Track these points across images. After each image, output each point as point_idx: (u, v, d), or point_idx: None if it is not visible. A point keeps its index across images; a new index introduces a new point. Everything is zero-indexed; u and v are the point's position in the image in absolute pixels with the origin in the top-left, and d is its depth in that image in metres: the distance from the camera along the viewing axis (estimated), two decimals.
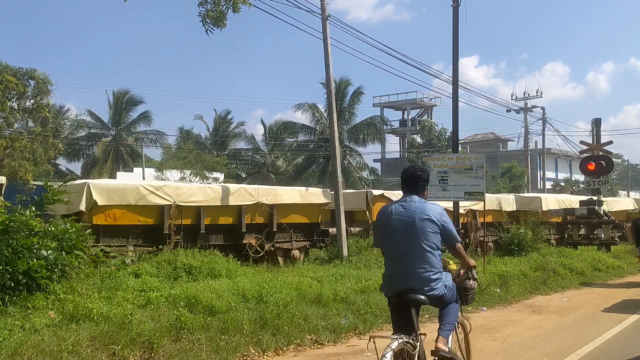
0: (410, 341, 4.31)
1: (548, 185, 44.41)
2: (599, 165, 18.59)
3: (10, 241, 7.23)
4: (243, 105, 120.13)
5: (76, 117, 41.98)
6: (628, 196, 46.33)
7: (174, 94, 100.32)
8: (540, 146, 42.24)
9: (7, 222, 7.37)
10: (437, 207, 4.68)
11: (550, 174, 48.71)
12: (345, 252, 13.37)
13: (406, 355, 4.25)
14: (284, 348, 6.94)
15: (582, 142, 21.50)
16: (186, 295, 7.77)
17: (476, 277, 5.05)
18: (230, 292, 8.29)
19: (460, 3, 16.82)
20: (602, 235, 18.69)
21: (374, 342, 4.19)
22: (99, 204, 11.08)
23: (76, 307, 6.84)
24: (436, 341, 4.69)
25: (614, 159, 20.98)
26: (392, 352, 4.12)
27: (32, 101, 29.61)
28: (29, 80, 29.30)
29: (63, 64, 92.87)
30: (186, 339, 6.50)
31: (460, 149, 29.78)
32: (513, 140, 67.08)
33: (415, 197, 4.68)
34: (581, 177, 35.90)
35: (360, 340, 7.59)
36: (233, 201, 13.16)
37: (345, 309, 8.60)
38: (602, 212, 18.76)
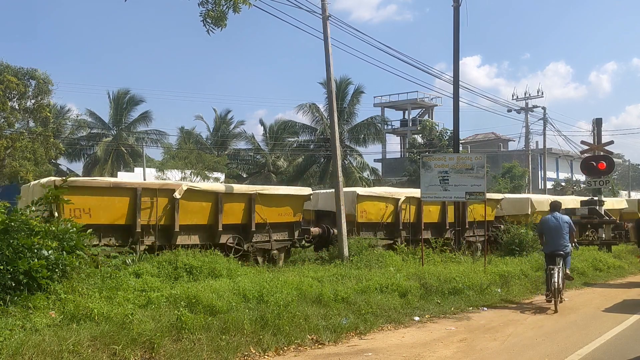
0: (559, 269, 10.16)
1: (549, 185, 44.37)
2: (600, 165, 18.57)
3: (11, 241, 7.23)
4: (244, 106, 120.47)
5: (77, 117, 42.06)
6: (629, 197, 46.33)
7: (174, 93, 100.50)
8: (541, 146, 42.22)
9: (7, 221, 7.37)
10: (567, 217, 10.90)
11: (551, 174, 48.66)
12: (346, 252, 13.37)
13: (558, 273, 10.08)
14: (285, 348, 6.94)
15: (583, 142, 21.50)
16: (187, 295, 7.77)
17: (577, 246, 12.85)
18: (231, 292, 8.29)
19: (461, 3, 16.84)
20: (603, 235, 18.68)
21: (549, 270, 10.26)
22: (537, 210, 19.48)
23: (77, 307, 6.84)
24: (565, 270, 10.51)
25: (614, 159, 20.95)
26: (556, 273, 10.03)
27: (33, 101, 29.67)
28: (30, 80, 29.36)
29: (64, 64, 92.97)
30: (187, 338, 6.50)
31: (461, 148, 29.76)
32: (514, 140, 67.23)
33: (557, 213, 10.85)
34: (582, 177, 35.87)
35: (361, 340, 7.59)
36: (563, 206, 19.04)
37: (345, 308, 8.60)
38: (602, 212, 18.75)
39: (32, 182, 13.08)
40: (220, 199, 13.01)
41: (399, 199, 16.24)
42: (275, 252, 13.93)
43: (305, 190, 15.36)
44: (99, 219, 11.29)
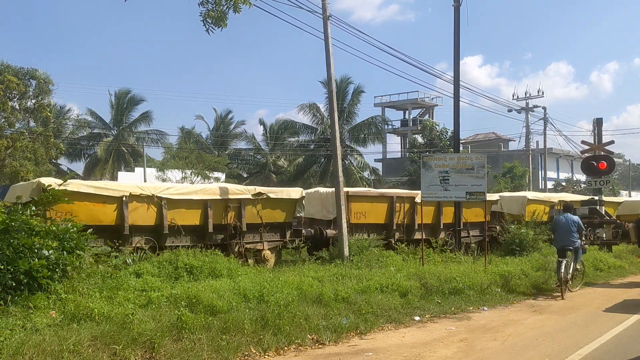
0: (567, 261, 11.63)
1: (549, 185, 44.36)
2: (600, 165, 18.57)
3: (12, 241, 7.23)
4: (245, 106, 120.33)
5: (77, 117, 42.09)
6: (630, 196, 46.34)
7: (176, 93, 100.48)
8: (541, 146, 42.21)
9: (7, 221, 7.37)
10: (577, 217, 12.42)
11: (551, 174, 48.61)
12: (346, 252, 13.37)
13: (566, 265, 11.59)
14: (285, 348, 6.94)
15: (583, 142, 21.52)
16: (187, 295, 7.78)
17: (586, 244, 14.05)
18: (231, 291, 8.29)
19: (461, 3, 16.83)
20: (604, 235, 18.69)
21: (559, 262, 11.65)
22: None
23: (77, 307, 6.84)
24: (575, 264, 12.10)
25: (615, 159, 20.95)
26: (564, 264, 11.49)
27: (33, 101, 29.69)
28: (30, 80, 29.38)
29: (64, 64, 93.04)
30: (187, 338, 6.50)
31: (461, 148, 29.73)
32: (514, 140, 67.08)
33: (568, 213, 12.31)
34: (582, 177, 35.84)
35: (361, 339, 7.59)
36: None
37: (346, 308, 8.60)
38: (603, 212, 18.76)
39: (313, 190, 17.05)
40: (440, 203, 16.43)
41: (554, 202, 20.29)
42: (473, 245, 17.56)
43: (494, 196, 19.33)
44: (370, 219, 15.40)
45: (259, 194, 13.69)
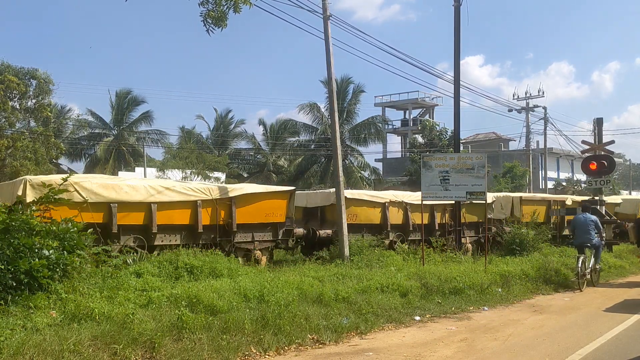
0: (584, 257, 12.57)
1: (550, 185, 44.34)
2: (600, 164, 18.53)
3: (12, 240, 7.22)
4: (247, 106, 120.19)
5: (78, 116, 42.09)
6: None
7: (176, 93, 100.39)
8: (542, 146, 42.19)
9: (8, 221, 7.37)
10: (595, 217, 13.40)
11: (552, 174, 48.60)
12: (346, 252, 13.37)
13: (583, 260, 12.48)
14: (286, 347, 6.94)
15: (583, 142, 21.47)
16: (187, 294, 7.77)
17: (604, 241, 13.90)
18: (231, 291, 8.29)
19: (461, 3, 16.81)
20: (604, 235, 18.65)
21: (577, 257, 12.69)
22: None
23: (78, 307, 6.84)
24: (594, 261, 13.03)
25: (615, 159, 20.90)
26: (581, 259, 12.43)
27: (33, 101, 29.68)
28: (31, 80, 29.37)
29: (65, 64, 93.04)
30: (188, 338, 6.50)
31: (461, 148, 29.73)
32: (515, 140, 66.98)
33: (587, 213, 13.41)
34: (583, 177, 35.82)
35: (361, 339, 7.59)
36: None
37: (346, 308, 8.60)
38: (604, 212, 18.73)
39: (497, 195, 19.78)
40: (552, 203, 19.89)
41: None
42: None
43: (617, 199, 21.44)
44: (536, 219, 18.09)
45: None
